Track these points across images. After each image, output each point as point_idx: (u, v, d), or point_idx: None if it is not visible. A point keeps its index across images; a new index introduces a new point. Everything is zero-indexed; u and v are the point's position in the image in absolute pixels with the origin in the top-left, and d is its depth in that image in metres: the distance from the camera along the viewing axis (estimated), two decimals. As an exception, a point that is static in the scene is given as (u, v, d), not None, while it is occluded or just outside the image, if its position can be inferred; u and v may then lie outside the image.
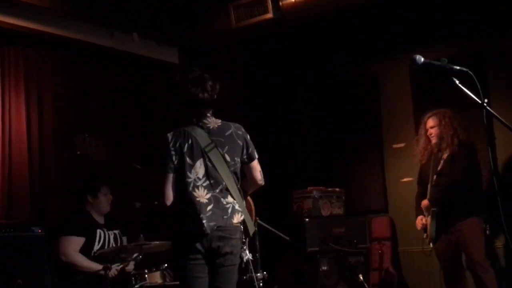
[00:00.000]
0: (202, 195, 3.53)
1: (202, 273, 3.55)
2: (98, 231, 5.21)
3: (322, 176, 7.32)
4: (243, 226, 3.65)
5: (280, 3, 6.10)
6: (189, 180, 3.54)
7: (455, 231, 5.18)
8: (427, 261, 6.12)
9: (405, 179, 6.86)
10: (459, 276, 5.32)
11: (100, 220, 5.34)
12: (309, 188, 6.41)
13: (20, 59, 5.61)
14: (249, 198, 3.94)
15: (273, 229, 5.79)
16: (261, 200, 6.00)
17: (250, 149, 3.72)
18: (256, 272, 5.42)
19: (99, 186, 5.36)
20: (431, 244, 5.39)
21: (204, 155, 3.58)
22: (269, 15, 6.08)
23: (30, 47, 5.70)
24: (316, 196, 6.31)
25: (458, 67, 2.91)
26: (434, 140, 5.41)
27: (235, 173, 3.66)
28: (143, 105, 6.66)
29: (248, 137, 3.76)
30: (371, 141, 7.33)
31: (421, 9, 6.50)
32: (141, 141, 6.57)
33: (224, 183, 3.58)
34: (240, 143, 3.68)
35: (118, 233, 5.39)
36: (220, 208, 3.55)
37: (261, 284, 5.41)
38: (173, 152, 3.55)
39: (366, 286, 5.92)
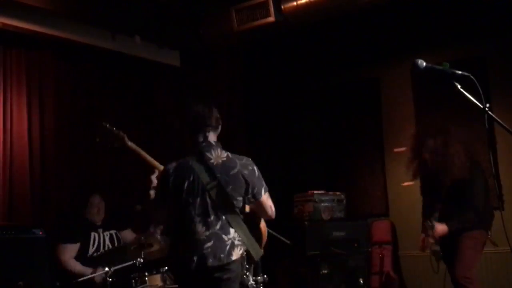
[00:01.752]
0: (201, 232, 3.48)
1: None
2: (93, 234, 5.25)
3: (323, 179, 7.33)
4: (246, 255, 3.61)
5: (282, 7, 6.10)
6: (189, 217, 3.50)
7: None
8: (427, 265, 6.11)
9: (406, 183, 6.86)
10: None
11: (98, 220, 5.36)
12: (310, 192, 6.41)
13: (22, 61, 5.61)
14: (262, 223, 3.95)
15: (273, 233, 5.78)
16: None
17: (256, 190, 3.61)
18: (256, 276, 5.43)
19: (86, 198, 5.38)
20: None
21: (205, 192, 3.51)
22: (271, 18, 6.08)
23: (32, 49, 5.71)
24: (317, 199, 6.31)
25: (460, 72, 2.90)
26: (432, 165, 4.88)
27: (238, 207, 3.59)
28: (144, 107, 6.66)
29: (256, 173, 3.65)
30: (372, 145, 7.34)
31: (422, 14, 6.51)
32: (142, 144, 6.56)
33: (224, 218, 3.52)
34: (244, 183, 3.57)
35: (115, 233, 5.42)
36: (219, 245, 3.48)
37: (261, 287, 5.40)
38: (169, 188, 3.55)
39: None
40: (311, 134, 7.83)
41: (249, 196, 3.60)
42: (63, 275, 4.95)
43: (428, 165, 4.83)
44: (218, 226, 3.50)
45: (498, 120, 2.92)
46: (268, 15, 6.10)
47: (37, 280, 4.58)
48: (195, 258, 3.44)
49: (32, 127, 5.58)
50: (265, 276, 5.44)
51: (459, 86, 2.91)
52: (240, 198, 3.57)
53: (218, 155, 3.60)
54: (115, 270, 4.65)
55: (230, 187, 3.53)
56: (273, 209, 3.74)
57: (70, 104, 5.99)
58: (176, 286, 4.71)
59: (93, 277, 4.83)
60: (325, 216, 6.26)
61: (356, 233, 6.29)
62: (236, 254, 3.51)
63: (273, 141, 7.45)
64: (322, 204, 6.33)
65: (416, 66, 2.94)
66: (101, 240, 5.28)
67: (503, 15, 6.18)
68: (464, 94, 2.89)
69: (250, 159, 3.68)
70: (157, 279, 4.95)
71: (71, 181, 5.84)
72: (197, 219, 3.49)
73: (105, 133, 4.27)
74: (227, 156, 3.63)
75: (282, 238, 5.83)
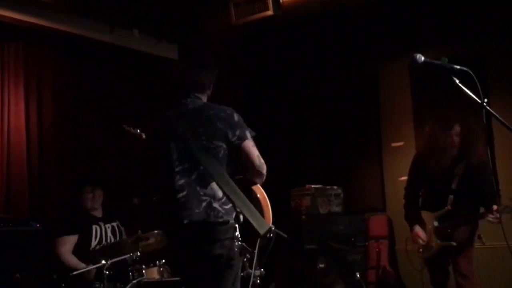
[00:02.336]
0: (175, 181, 3.15)
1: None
2: (94, 227, 5.23)
3: (321, 174, 7.34)
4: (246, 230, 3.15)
5: (281, 1, 6.10)
6: (166, 167, 3.21)
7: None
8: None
9: (403, 178, 6.84)
10: (446, 279, 4.98)
11: (98, 213, 5.35)
12: (308, 186, 6.42)
13: (20, 53, 5.61)
14: (260, 188, 3.51)
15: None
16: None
17: (239, 132, 3.23)
18: (253, 268, 5.44)
19: (81, 185, 5.35)
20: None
21: (180, 138, 3.20)
22: (269, 12, 6.08)
23: (30, 41, 5.71)
24: (314, 193, 6.32)
25: (458, 67, 2.91)
26: (454, 151, 4.80)
27: (220, 157, 3.18)
28: (142, 100, 6.66)
29: (237, 118, 3.29)
30: (370, 140, 7.35)
31: (421, 10, 6.51)
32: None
33: (202, 168, 3.14)
34: (221, 125, 3.20)
35: (117, 225, 5.41)
36: (193, 198, 3.12)
37: (258, 281, 5.42)
38: (151, 143, 3.37)
39: (363, 284, 5.92)
40: (309, 129, 7.84)
41: (233, 139, 3.19)
42: (61, 268, 4.95)
43: (450, 151, 4.77)
44: (194, 176, 3.15)
45: (496, 115, 2.93)
46: (267, 8, 6.10)
47: (34, 273, 4.58)
48: (170, 212, 3.19)
49: (30, 119, 5.58)
50: (262, 269, 5.47)
51: (457, 81, 2.91)
52: (221, 144, 3.17)
53: (197, 102, 3.34)
54: (112, 263, 4.64)
55: (202, 129, 3.19)
56: (262, 160, 3.26)
57: (68, 97, 6.00)
58: (174, 279, 4.73)
59: (90, 270, 4.82)
60: (323, 210, 6.27)
61: (353, 228, 6.30)
62: (219, 217, 3.09)
63: (271, 135, 7.44)
64: (320, 198, 6.34)
65: (414, 60, 2.94)
66: (103, 232, 5.27)
67: (502, 13, 6.19)
68: (463, 89, 2.90)
69: (230, 108, 3.36)
70: (154, 272, 4.96)
71: (69, 174, 5.84)
72: (173, 168, 3.17)
73: (129, 136, 4.39)
74: (204, 103, 3.38)
75: (279, 232, 5.84)
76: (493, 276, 6.08)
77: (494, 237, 5.53)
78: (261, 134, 7.57)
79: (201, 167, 3.14)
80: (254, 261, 3.95)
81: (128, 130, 4.59)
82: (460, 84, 2.91)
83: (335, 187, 6.64)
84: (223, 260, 3.09)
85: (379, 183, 7.22)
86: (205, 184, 3.14)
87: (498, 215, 4.39)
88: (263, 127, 7.37)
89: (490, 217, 4.47)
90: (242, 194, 3.15)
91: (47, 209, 5.60)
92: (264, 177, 3.32)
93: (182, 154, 3.19)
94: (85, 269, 4.78)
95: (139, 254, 4.83)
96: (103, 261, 4.61)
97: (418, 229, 4.86)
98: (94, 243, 5.17)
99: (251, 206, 3.17)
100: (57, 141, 5.79)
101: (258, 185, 3.46)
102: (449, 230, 4.67)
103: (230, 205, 3.15)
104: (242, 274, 5.34)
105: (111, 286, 4.56)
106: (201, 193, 3.13)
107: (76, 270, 4.80)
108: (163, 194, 3.27)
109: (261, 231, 3.12)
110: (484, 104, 2.91)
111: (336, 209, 6.42)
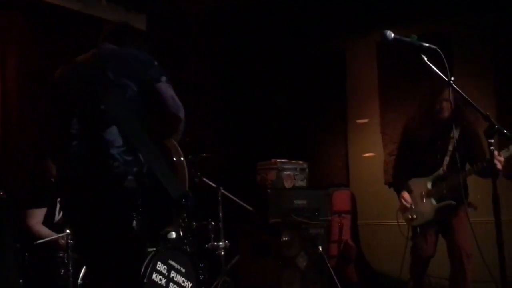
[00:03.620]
0: (73, 126, 2.80)
1: None
2: (59, 200, 5.20)
3: (286, 148, 7.38)
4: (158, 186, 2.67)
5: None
6: (63, 109, 2.90)
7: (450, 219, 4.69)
8: (385, 234, 6.27)
9: (367, 154, 6.99)
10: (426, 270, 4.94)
11: None
12: (273, 160, 6.45)
13: (-16, 19, 5.49)
14: (176, 147, 2.92)
15: (236, 199, 5.84)
16: (225, 170, 6.06)
17: (154, 72, 2.83)
18: (218, 241, 5.49)
19: (46, 153, 5.29)
20: (411, 230, 4.80)
21: (81, 75, 2.88)
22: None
23: (-5, 7, 5.58)
24: (279, 168, 6.35)
25: (427, 44, 2.95)
26: (447, 114, 4.68)
27: (130, 100, 2.79)
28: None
29: (157, 63, 2.89)
30: (336, 116, 7.42)
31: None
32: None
33: (104, 108, 2.76)
34: (136, 64, 2.84)
35: None
36: (91, 146, 2.74)
37: (222, 252, 5.47)
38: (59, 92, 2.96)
39: (325, 257, 6.01)
40: (276, 104, 7.86)
41: (147, 79, 2.81)
42: (27, 239, 4.92)
43: (441, 116, 4.67)
44: (94, 120, 2.76)
45: (462, 93, 3.01)
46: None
47: (0, 243, 4.54)
48: (63, 165, 2.82)
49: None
50: (226, 241, 5.52)
51: (425, 59, 2.96)
52: (130, 83, 2.79)
53: (112, 46, 2.99)
54: None
55: (114, 64, 2.84)
56: (178, 102, 2.81)
57: (33, 64, 5.88)
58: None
59: (57, 240, 4.80)
60: (288, 184, 6.32)
61: (317, 202, 6.36)
62: (114, 167, 2.67)
63: (239, 109, 7.45)
64: (285, 172, 6.38)
65: (384, 37, 2.95)
66: None
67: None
68: (430, 67, 2.95)
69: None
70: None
71: (33, 141, 5.75)
72: (69, 110, 2.84)
73: None
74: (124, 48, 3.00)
75: (244, 204, 5.89)
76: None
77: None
78: (228, 108, 7.60)
79: (103, 107, 2.75)
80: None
81: None
82: (428, 62, 2.96)
83: (300, 162, 6.68)
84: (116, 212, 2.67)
85: (343, 159, 7.31)
86: (104, 127, 2.73)
87: (501, 158, 4.31)
88: (231, 101, 7.41)
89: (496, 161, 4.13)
90: (153, 146, 2.73)
91: (11, 177, 5.51)
92: (180, 128, 2.85)
93: (82, 93, 2.82)
94: (50, 238, 4.77)
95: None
96: (67, 230, 4.60)
97: (405, 193, 4.80)
98: (57, 217, 5.15)
99: (163, 162, 2.74)
100: (21, 108, 5.69)
101: (175, 143, 2.90)
102: (444, 191, 4.63)
103: (132, 157, 2.71)
104: (206, 246, 5.43)
105: (74, 255, 4.55)
106: (97, 139, 2.73)
107: (50, 239, 4.80)
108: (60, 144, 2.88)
109: (174, 195, 2.68)
110: (451, 82, 2.98)
111: (301, 183, 6.47)
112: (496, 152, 4.19)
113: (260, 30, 7.49)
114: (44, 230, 5.02)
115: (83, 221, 2.76)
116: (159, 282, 4.35)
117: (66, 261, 4.57)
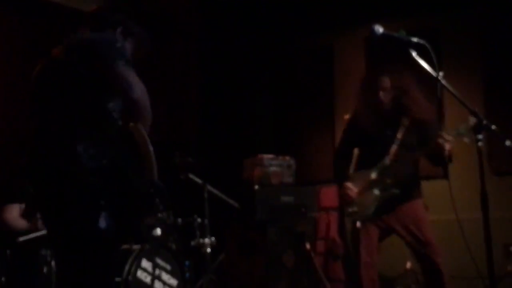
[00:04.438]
0: (39, 121, 2.77)
1: None
2: None
3: (273, 144, 7.35)
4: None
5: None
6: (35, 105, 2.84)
7: (400, 212, 4.39)
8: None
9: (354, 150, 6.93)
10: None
11: None
12: (260, 156, 6.40)
13: None
14: (142, 132, 2.64)
15: (222, 196, 5.80)
16: (211, 166, 5.99)
17: (114, 53, 2.67)
18: (204, 237, 5.44)
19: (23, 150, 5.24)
20: (358, 223, 4.47)
21: (51, 63, 2.84)
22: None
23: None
24: (266, 164, 6.31)
25: (415, 40, 2.95)
26: (388, 103, 4.41)
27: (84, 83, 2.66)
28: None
29: (113, 43, 2.75)
30: (323, 111, 7.39)
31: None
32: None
33: (62, 99, 2.69)
34: (98, 47, 2.72)
35: None
36: (53, 137, 2.66)
37: (208, 250, 5.42)
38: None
39: (312, 254, 5.98)
40: (263, 99, 7.82)
41: (100, 64, 2.65)
42: (9, 236, 4.86)
43: (382, 106, 4.39)
44: (55, 114, 2.70)
45: (451, 89, 2.98)
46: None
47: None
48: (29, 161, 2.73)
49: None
50: (213, 238, 5.47)
51: (414, 54, 2.94)
52: (88, 69, 2.66)
53: (79, 36, 2.91)
54: None
55: (76, 47, 2.77)
56: (130, 80, 2.59)
57: (14, 57, 5.80)
58: (124, 247, 4.69)
59: (40, 234, 4.76)
60: (274, 181, 6.28)
61: (304, 199, 6.33)
62: (82, 164, 2.55)
63: (224, 104, 7.40)
64: (271, 168, 6.34)
65: (373, 32, 2.95)
66: None
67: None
68: (419, 62, 2.94)
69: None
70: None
71: (9, 134, 5.68)
72: (38, 102, 2.81)
73: None
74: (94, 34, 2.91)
75: (231, 201, 5.85)
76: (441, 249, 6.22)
77: (440, 209, 5.61)
78: (214, 104, 7.53)
79: (61, 99, 2.69)
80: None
81: None
82: (416, 57, 2.94)
83: (287, 157, 6.64)
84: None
85: (330, 155, 7.26)
86: (67, 118, 2.65)
87: (449, 137, 3.97)
88: (217, 96, 7.36)
89: (441, 141, 3.96)
90: (116, 136, 2.63)
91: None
92: (145, 111, 2.64)
93: (51, 90, 2.75)
94: (32, 236, 4.72)
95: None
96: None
97: (348, 183, 4.41)
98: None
99: (128, 152, 2.61)
100: (2, 104, 5.62)
101: (141, 130, 2.64)
102: (389, 180, 4.29)
103: (95, 150, 2.60)
104: (192, 243, 5.38)
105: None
106: (59, 132, 2.64)
107: (28, 232, 4.74)
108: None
109: (140, 186, 2.61)
110: (439, 77, 2.95)
111: (288, 179, 6.43)
112: (443, 134, 3.99)
113: (247, 24, 7.45)
114: (23, 223, 4.97)
115: (47, 218, 2.73)
116: (144, 279, 4.32)
117: (48, 259, 4.51)
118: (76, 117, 2.62)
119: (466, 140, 3.80)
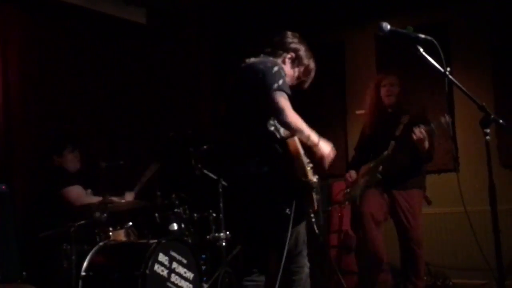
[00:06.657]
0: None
1: None
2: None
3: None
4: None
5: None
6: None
7: (396, 198, 4.91)
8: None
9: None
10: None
11: (73, 169, 5.41)
12: (273, 151, 6.47)
13: (-15, 13, 5.51)
14: (295, 141, 3.63)
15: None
16: (225, 161, 6.05)
17: (266, 78, 3.51)
18: (219, 232, 5.53)
19: (64, 144, 5.36)
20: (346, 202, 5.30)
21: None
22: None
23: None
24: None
25: (423, 36, 2.98)
26: (391, 100, 5.03)
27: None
28: (110, 64, 6.61)
29: (269, 69, 3.60)
30: (335, 107, 7.44)
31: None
32: (105, 99, 6.56)
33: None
34: (254, 73, 3.59)
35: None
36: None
37: (223, 243, 5.50)
38: None
39: (326, 247, 6.05)
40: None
41: (258, 90, 3.46)
42: (31, 232, 4.94)
43: (383, 102, 4.99)
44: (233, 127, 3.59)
45: (458, 84, 3.02)
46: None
47: (2, 236, 4.57)
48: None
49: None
50: (227, 232, 5.55)
51: (421, 50, 2.98)
52: (248, 97, 3.47)
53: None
54: (78, 226, 4.66)
55: (241, 80, 3.68)
56: (285, 109, 3.49)
57: (34, 58, 5.91)
58: (141, 241, 4.80)
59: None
60: (288, 176, 6.34)
61: (317, 193, 6.38)
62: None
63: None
64: (285, 164, 6.39)
65: (380, 29, 2.99)
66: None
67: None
68: (426, 58, 2.98)
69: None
70: (121, 234, 5.00)
71: (36, 136, 5.79)
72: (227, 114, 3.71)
73: None
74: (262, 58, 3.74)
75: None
76: (451, 242, 6.28)
77: (450, 202, 5.69)
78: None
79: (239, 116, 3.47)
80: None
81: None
82: (424, 53, 2.99)
83: (300, 153, 6.70)
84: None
85: (343, 150, 7.32)
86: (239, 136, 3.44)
87: (422, 130, 4.55)
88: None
89: (415, 135, 4.57)
90: (273, 144, 3.38)
91: (13, 172, 5.56)
92: (296, 130, 3.52)
93: (231, 103, 3.62)
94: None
95: (105, 215, 4.86)
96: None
97: (351, 171, 5.16)
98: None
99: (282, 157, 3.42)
100: (24, 103, 5.72)
101: (294, 141, 3.50)
102: (380, 168, 4.84)
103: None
104: (207, 237, 5.47)
105: (78, 247, 4.59)
106: (236, 148, 3.43)
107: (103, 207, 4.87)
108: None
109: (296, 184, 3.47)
110: (447, 73, 3.00)
111: (301, 174, 6.48)
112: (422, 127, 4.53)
113: (259, 21, 7.50)
114: (92, 197, 5.18)
115: (242, 210, 3.55)
116: (161, 273, 4.39)
117: (69, 253, 4.59)
118: (244, 135, 3.38)
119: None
